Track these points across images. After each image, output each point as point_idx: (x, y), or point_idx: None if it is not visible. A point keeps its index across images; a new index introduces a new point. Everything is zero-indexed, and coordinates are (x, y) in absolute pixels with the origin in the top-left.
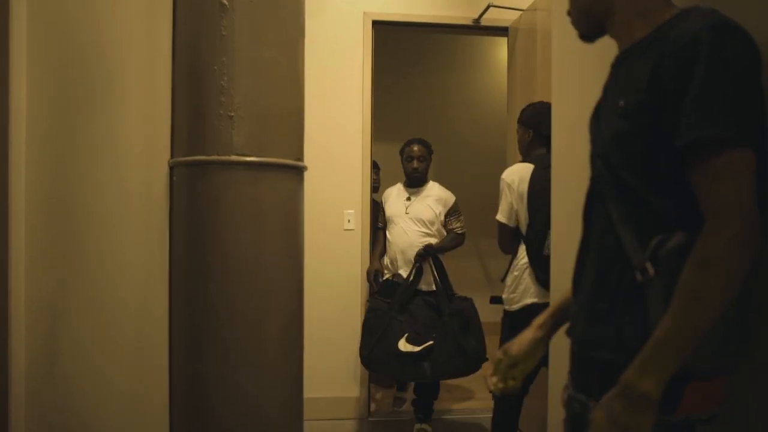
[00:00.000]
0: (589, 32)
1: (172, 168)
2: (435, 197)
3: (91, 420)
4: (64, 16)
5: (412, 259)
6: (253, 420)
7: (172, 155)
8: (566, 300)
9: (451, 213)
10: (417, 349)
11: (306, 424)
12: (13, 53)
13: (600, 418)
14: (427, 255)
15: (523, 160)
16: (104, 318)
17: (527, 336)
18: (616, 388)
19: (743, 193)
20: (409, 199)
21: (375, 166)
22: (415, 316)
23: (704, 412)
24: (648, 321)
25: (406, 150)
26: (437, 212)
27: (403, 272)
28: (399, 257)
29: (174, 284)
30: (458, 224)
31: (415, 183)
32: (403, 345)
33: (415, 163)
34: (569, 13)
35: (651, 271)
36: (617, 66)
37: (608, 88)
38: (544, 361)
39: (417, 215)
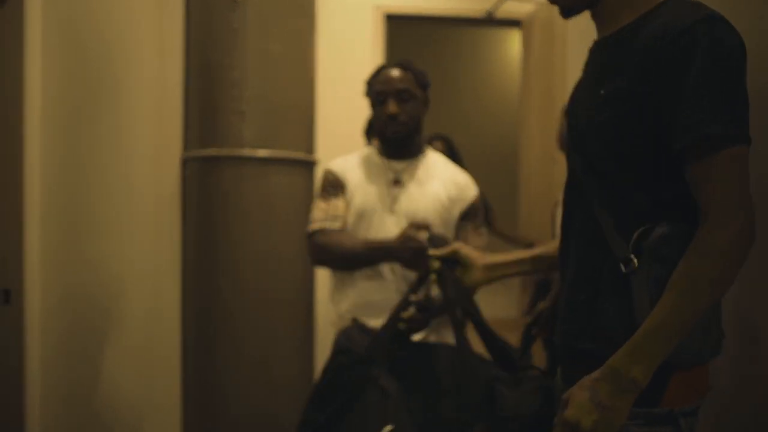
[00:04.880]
0: (574, 6)
1: (184, 162)
2: (444, 179)
3: (104, 420)
4: (77, 14)
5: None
6: (264, 417)
7: (185, 149)
8: (533, 256)
9: (472, 213)
10: None
11: None
12: (28, 49)
13: (584, 398)
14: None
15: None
16: (117, 314)
17: (483, 260)
18: (602, 371)
19: (746, 189)
20: (397, 182)
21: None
22: (415, 383)
23: (688, 405)
24: (632, 311)
25: (375, 81)
26: (448, 208)
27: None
28: (376, 298)
29: (186, 278)
30: (480, 240)
31: (400, 149)
32: None
33: (391, 106)
34: None
35: (635, 262)
36: (597, 52)
37: (587, 75)
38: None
39: (414, 211)
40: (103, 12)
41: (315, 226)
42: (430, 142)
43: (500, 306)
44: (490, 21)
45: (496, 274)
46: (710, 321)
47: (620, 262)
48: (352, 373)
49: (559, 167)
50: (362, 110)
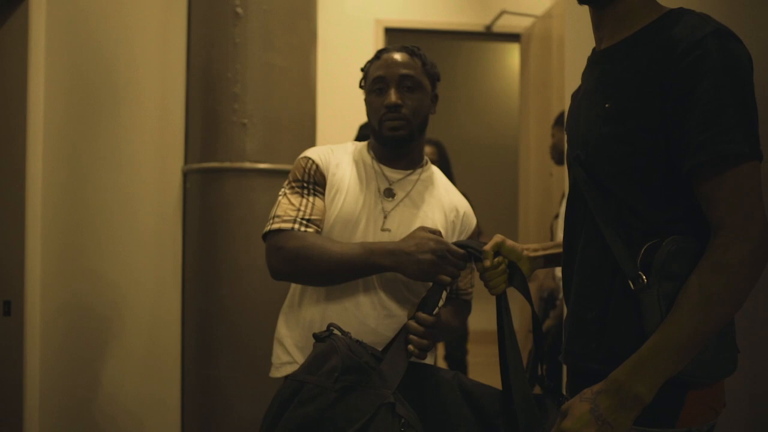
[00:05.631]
0: None
1: (185, 174)
2: (444, 203)
3: (104, 428)
4: (80, 26)
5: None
6: None
7: (186, 162)
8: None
9: None
10: None
11: None
12: (31, 63)
13: (584, 410)
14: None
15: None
16: (117, 324)
17: (527, 252)
18: (604, 383)
19: (759, 204)
20: (390, 193)
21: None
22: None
23: (705, 423)
24: (643, 330)
25: (373, 66)
26: (446, 236)
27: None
28: (354, 324)
29: (187, 288)
30: (472, 277)
31: (398, 154)
32: None
33: (392, 95)
34: None
35: (644, 278)
36: (598, 63)
37: (589, 87)
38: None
39: (403, 236)
40: (105, 25)
41: (283, 225)
42: None
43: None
44: (489, 35)
45: (536, 266)
46: (725, 337)
47: (629, 279)
48: (366, 397)
49: (555, 180)
50: (360, 124)
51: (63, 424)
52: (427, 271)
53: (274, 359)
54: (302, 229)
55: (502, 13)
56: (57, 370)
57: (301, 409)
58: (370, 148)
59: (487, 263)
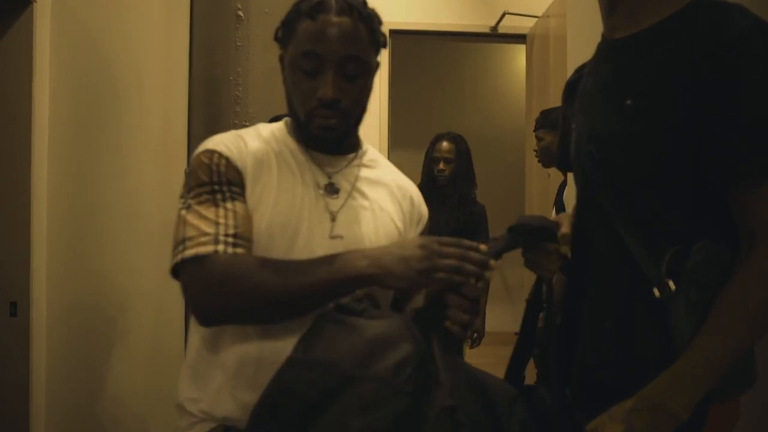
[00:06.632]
0: None
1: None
2: (392, 189)
3: (109, 429)
4: (83, 32)
5: None
6: None
7: (189, 164)
8: None
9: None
10: None
11: None
12: (36, 68)
13: (618, 431)
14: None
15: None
16: (121, 325)
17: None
18: (637, 402)
19: None
20: (332, 187)
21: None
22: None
23: None
24: (671, 339)
25: (306, 33)
26: (402, 233)
27: None
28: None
29: None
30: None
31: (331, 140)
32: None
33: (329, 86)
34: None
35: (672, 286)
36: (615, 55)
37: (602, 80)
38: None
39: (362, 238)
40: (108, 30)
41: (200, 249)
42: (438, 140)
43: (502, 320)
44: (495, 36)
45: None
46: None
47: (654, 286)
48: (426, 399)
49: (552, 181)
50: (366, 127)
51: (68, 424)
52: (421, 270)
53: (183, 422)
54: (229, 250)
55: (504, 14)
56: (62, 370)
57: (370, 414)
58: (291, 131)
59: (565, 249)
